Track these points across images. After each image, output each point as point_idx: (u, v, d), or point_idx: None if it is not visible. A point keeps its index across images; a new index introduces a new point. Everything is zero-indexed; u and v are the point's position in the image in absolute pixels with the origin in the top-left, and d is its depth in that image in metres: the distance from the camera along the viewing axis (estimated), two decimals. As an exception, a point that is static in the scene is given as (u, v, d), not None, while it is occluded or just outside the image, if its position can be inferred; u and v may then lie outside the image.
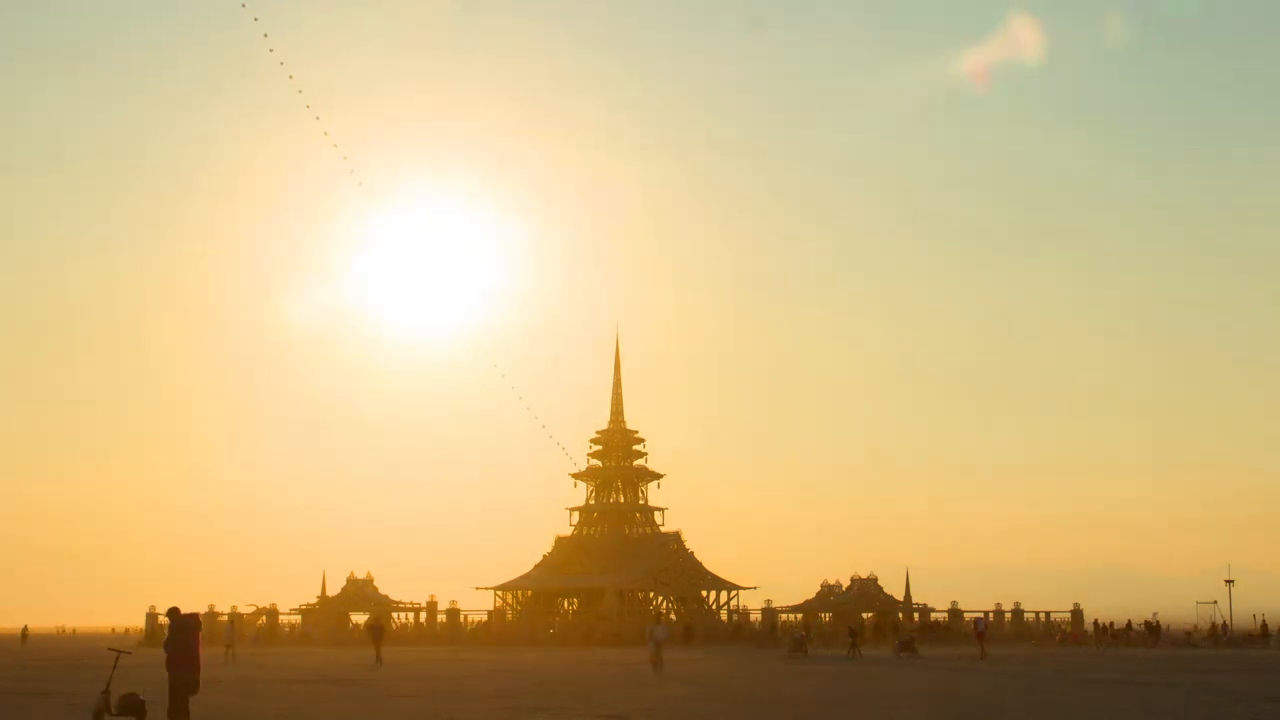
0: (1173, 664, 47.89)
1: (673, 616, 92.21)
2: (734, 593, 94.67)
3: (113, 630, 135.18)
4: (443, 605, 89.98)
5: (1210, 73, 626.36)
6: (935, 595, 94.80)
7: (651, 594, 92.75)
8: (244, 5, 45.75)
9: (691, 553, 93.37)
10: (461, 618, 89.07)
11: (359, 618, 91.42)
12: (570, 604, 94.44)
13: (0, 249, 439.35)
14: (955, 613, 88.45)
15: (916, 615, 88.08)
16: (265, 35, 48.23)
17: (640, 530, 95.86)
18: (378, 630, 50.96)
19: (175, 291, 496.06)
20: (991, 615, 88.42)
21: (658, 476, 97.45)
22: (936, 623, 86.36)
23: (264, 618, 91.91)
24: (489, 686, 32.19)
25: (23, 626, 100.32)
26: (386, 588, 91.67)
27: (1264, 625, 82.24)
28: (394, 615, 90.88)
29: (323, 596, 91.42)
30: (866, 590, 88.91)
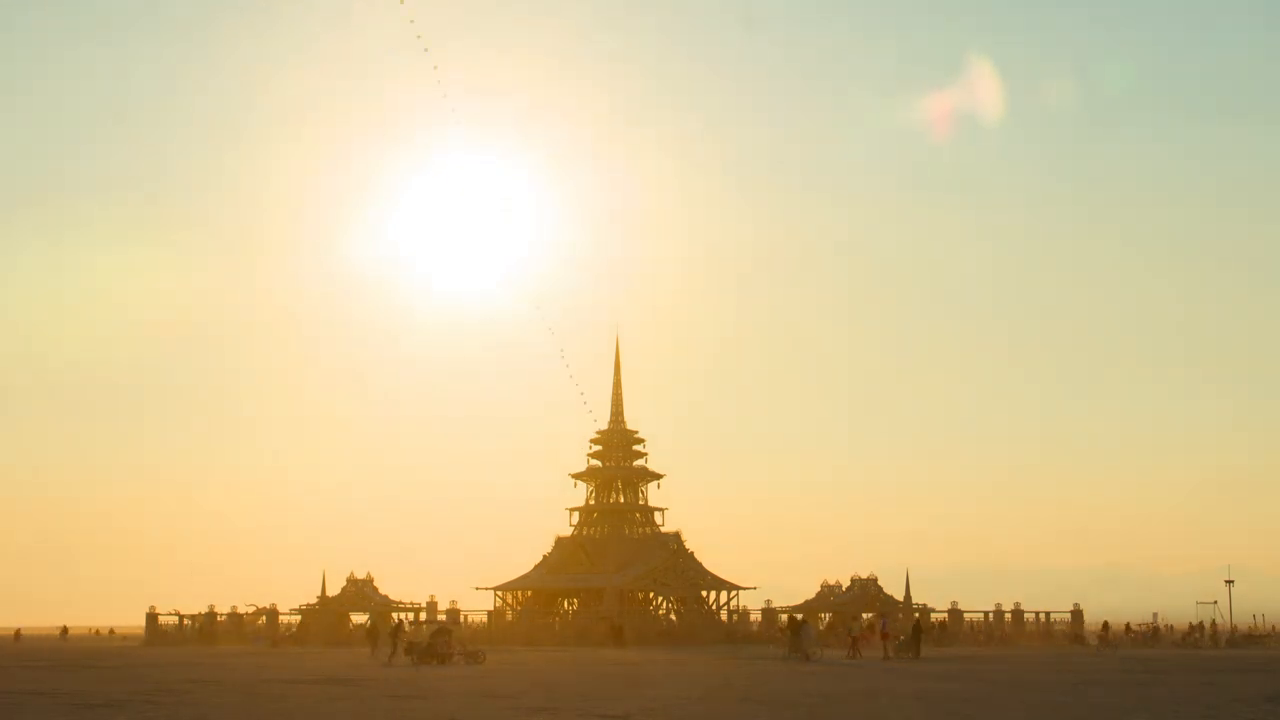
0: (1172, 664, 47.87)
1: (673, 618, 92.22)
2: (734, 593, 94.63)
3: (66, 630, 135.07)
4: (443, 605, 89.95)
5: (1138, 140, 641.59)
6: (935, 595, 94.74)
7: (651, 594, 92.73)
8: None
9: (691, 553, 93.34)
10: (461, 618, 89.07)
11: (359, 618, 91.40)
12: (570, 604, 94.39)
13: None
14: (955, 613, 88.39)
15: (917, 615, 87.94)
16: None
17: (640, 530, 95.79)
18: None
19: (172, 295, 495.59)
20: (991, 615, 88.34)
21: (658, 477, 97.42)
22: (941, 623, 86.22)
23: (264, 618, 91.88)
24: (490, 686, 32.17)
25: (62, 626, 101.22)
26: (386, 588, 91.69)
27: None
28: (393, 615, 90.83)
29: (323, 596, 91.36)
30: (866, 590, 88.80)
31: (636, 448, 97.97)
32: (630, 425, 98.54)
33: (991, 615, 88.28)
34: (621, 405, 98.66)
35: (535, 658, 54.15)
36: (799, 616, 67.98)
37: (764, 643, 76.47)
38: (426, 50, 53.66)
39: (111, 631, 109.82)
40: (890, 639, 56.26)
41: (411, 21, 52.05)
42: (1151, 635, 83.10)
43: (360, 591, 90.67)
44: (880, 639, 56.52)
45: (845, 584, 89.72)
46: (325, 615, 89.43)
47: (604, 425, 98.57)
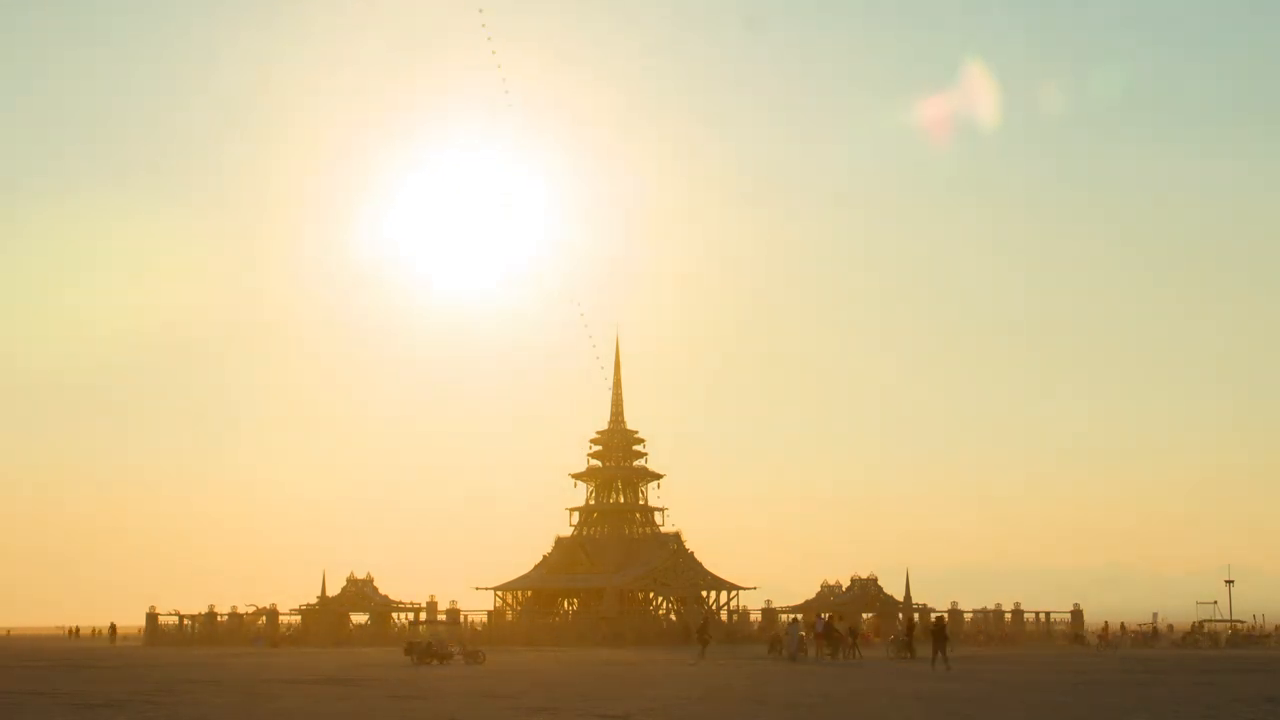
0: (1172, 664, 47.87)
1: (673, 617, 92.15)
2: (734, 593, 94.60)
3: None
4: (443, 605, 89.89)
5: (1126, 145, 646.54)
6: (935, 595, 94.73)
7: (651, 594, 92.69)
8: None
9: (691, 553, 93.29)
10: (461, 618, 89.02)
11: (359, 618, 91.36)
12: (570, 604, 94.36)
13: None
14: (955, 613, 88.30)
15: (916, 616, 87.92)
16: None
17: (640, 530, 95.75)
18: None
19: (173, 296, 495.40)
20: (991, 615, 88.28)
21: (658, 477, 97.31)
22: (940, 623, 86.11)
23: (263, 618, 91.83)
24: (490, 686, 32.17)
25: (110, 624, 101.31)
26: (386, 588, 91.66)
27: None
28: (394, 615, 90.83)
29: (323, 596, 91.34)
30: (866, 590, 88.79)
31: (636, 448, 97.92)
32: (630, 425, 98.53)
33: (991, 615, 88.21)
34: (621, 405, 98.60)
35: (536, 657, 54.09)
36: (868, 617, 66.40)
37: (764, 643, 76.34)
38: (489, 38, 55.36)
39: (112, 630, 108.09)
40: (857, 639, 56.11)
41: (480, 11, 53.40)
42: (1151, 635, 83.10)
43: (360, 591, 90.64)
44: (816, 639, 56.02)
45: (845, 584, 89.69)
46: (325, 615, 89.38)
47: (603, 425, 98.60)
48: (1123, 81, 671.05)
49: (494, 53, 58.15)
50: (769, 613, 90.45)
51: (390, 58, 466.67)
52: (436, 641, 48.39)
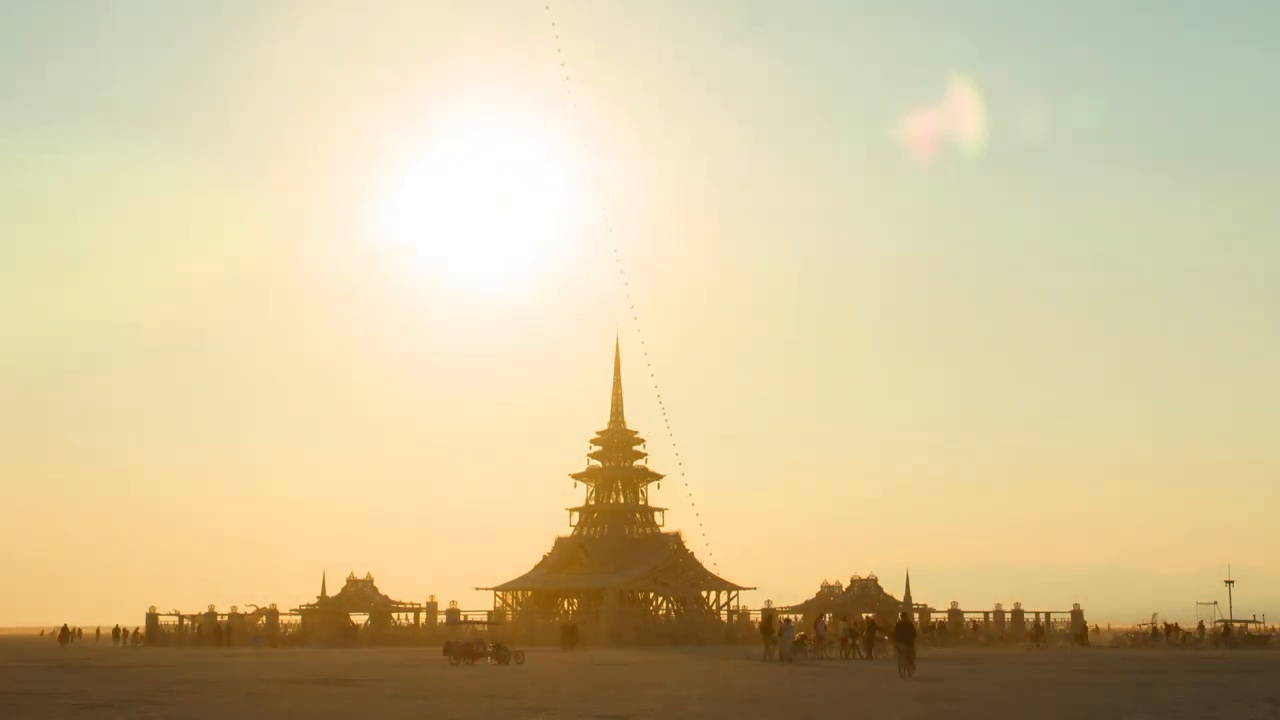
0: (1172, 664, 47.89)
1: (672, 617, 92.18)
2: (734, 593, 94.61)
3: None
4: (443, 605, 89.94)
5: (1107, 179, 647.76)
6: (935, 595, 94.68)
7: (651, 594, 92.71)
8: None
9: (692, 553, 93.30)
10: (461, 618, 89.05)
11: (359, 618, 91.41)
12: (570, 604, 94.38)
13: None
14: (955, 613, 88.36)
15: (918, 616, 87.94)
16: None
17: (640, 531, 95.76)
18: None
19: (170, 297, 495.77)
20: (991, 615, 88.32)
21: (658, 477, 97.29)
22: (940, 624, 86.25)
23: (264, 618, 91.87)
24: (490, 686, 32.18)
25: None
26: (386, 588, 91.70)
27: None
28: (394, 615, 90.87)
29: (323, 596, 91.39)
30: (866, 590, 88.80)
31: (636, 448, 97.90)
32: (630, 426, 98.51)
33: (991, 615, 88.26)
34: (621, 406, 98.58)
35: (537, 658, 54.07)
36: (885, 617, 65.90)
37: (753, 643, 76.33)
38: (547, 8, 56.49)
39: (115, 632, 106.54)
40: (856, 639, 56.05)
41: (548, 7, 54.37)
42: (1151, 635, 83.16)
43: (360, 591, 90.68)
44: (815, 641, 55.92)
45: (845, 584, 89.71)
46: (325, 615, 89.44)
47: (603, 425, 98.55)
48: (1101, 110, 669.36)
49: (556, 36, 59.09)
50: (769, 613, 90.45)
51: (403, 49, 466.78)
52: (475, 641, 49.06)
